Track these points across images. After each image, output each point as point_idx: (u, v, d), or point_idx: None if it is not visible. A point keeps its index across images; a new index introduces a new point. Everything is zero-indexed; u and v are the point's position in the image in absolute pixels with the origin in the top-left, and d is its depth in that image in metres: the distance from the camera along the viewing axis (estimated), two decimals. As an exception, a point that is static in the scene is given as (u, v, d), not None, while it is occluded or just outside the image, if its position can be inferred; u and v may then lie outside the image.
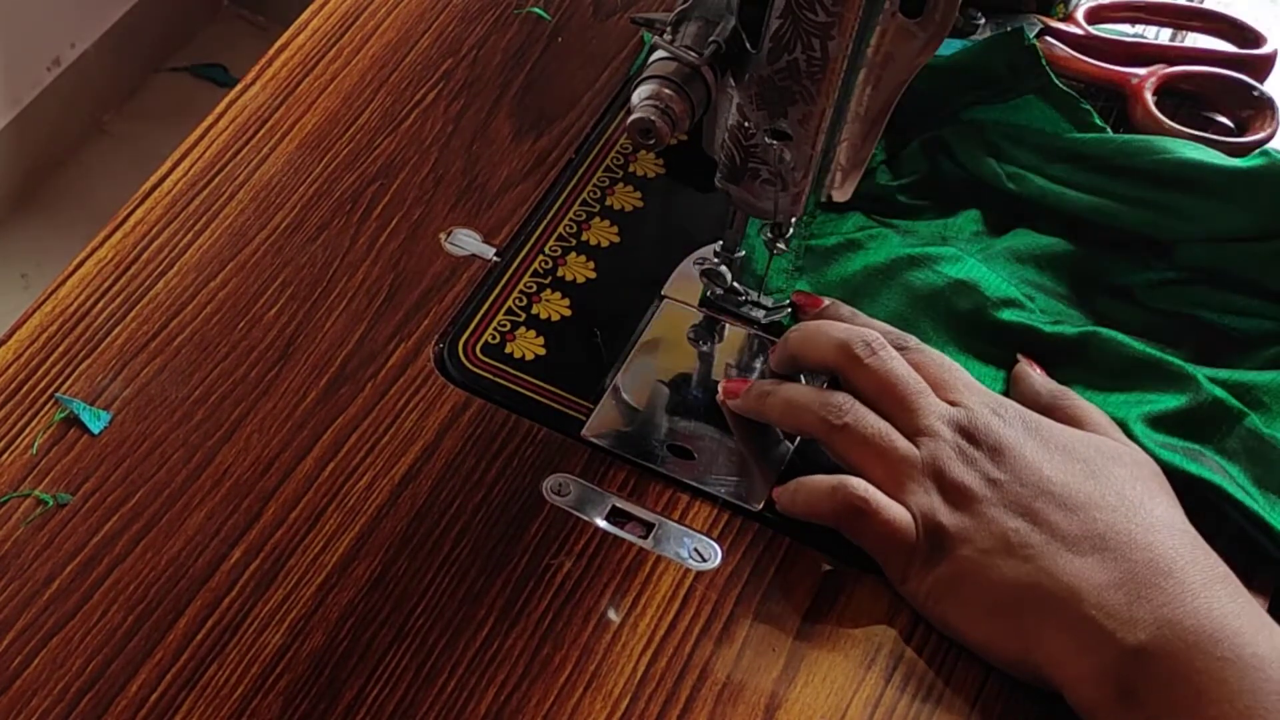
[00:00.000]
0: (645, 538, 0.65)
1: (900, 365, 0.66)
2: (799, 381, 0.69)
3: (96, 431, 0.67)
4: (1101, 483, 0.61)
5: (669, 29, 0.62)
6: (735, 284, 0.73)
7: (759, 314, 0.73)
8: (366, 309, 0.72)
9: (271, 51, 0.82)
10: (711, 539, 0.65)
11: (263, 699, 0.60)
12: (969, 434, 0.63)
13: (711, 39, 0.61)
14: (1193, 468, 0.65)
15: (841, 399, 0.65)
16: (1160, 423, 0.67)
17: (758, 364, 0.72)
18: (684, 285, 0.74)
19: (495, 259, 0.75)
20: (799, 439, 0.69)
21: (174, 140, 0.79)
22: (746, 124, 0.63)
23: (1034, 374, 0.69)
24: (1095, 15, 0.84)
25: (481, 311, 0.72)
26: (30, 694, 0.60)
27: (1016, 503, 0.61)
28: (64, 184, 1.91)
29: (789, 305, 0.73)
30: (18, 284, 1.81)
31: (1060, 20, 0.83)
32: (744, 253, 0.72)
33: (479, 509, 0.66)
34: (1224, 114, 0.81)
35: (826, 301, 0.71)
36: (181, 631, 0.62)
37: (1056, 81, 0.77)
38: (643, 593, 0.64)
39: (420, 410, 0.69)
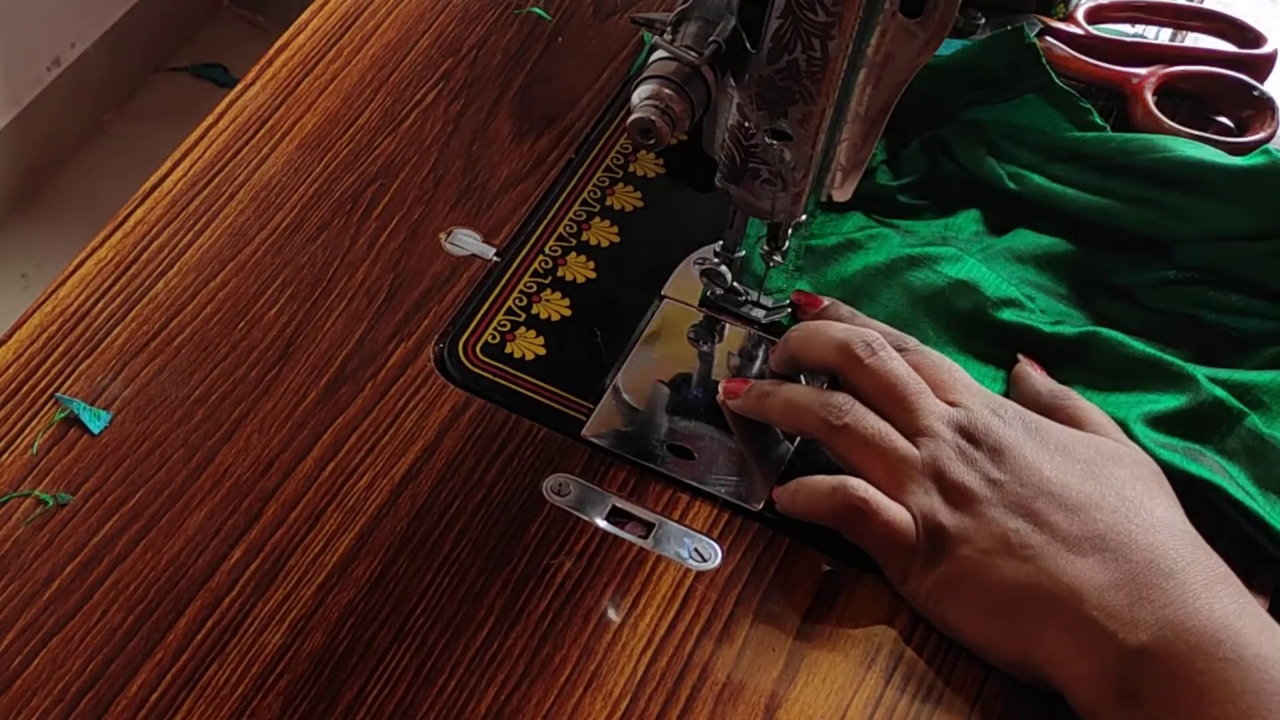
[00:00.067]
0: (645, 538, 0.65)
1: (900, 366, 0.66)
2: (799, 382, 0.69)
3: (96, 431, 0.67)
4: (1102, 483, 0.61)
5: (669, 29, 0.62)
6: (735, 284, 0.73)
7: (759, 314, 0.73)
8: (366, 309, 0.72)
9: (271, 51, 0.82)
10: (711, 539, 0.65)
11: (263, 699, 0.60)
12: (969, 434, 0.63)
13: (711, 39, 0.61)
14: (1193, 468, 0.65)
15: (841, 399, 0.65)
16: (1160, 423, 0.67)
17: (757, 364, 0.72)
18: (684, 285, 0.74)
19: (495, 259, 0.75)
20: (799, 439, 0.69)
21: (174, 140, 0.79)
22: (746, 124, 0.63)
23: (1034, 374, 0.69)
24: (1095, 15, 0.84)
25: (481, 311, 0.72)
26: (30, 694, 0.60)
27: (1017, 503, 0.61)
28: (64, 184, 1.91)
29: (789, 305, 0.73)
30: (18, 284, 1.81)
31: (1060, 20, 0.83)
32: (744, 253, 0.72)
33: (479, 509, 0.66)
34: (1224, 114, 0.81)
35: (826, 301, 0.71)
36: (181, 631, 0.62)
37: (1057, 81, 0.77)
38: (643, 593, 0.64)
39: (420, 410, 0.69)
